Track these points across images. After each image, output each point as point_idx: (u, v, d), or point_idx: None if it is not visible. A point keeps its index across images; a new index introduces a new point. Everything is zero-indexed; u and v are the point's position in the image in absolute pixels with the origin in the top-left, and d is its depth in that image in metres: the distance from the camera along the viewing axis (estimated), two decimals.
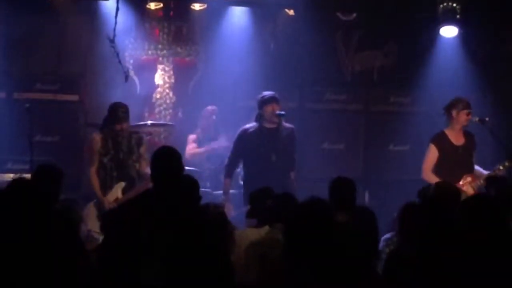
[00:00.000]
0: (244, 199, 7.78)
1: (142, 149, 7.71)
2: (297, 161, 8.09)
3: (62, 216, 4.83)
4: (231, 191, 8.41)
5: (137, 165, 7.73)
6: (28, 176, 7.04)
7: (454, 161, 8.03)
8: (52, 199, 5.72)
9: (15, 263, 3.19)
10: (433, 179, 7.83)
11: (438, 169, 8.02)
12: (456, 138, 8.10)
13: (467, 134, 8.16)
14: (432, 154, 8.05)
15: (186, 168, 8.42)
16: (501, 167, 7.86)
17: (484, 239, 3.77)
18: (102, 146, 7.71)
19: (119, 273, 4.26)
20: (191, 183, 5.21)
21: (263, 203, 5.98)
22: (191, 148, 9.38)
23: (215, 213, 5.34)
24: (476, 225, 4.22)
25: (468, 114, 8.05)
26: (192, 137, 9.50)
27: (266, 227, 5.61)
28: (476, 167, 8.16)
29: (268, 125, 7.86)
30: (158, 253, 4.15)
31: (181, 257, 3.90)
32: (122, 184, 7.66)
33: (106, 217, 5.96)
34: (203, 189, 8.24)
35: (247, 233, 5.83)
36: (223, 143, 9.12)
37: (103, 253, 4.57)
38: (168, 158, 4.75)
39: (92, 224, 7.33)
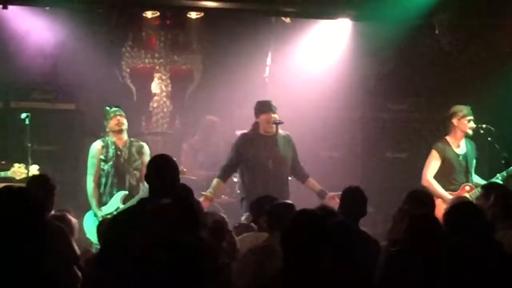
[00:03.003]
0: (242, 206, 7.79)
1: (145, 158, 7.72)
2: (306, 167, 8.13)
3: (54, 226, 4.85)
4: (226, 197, 8.44)
5: (137, 173, 7.76)
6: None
7: (454, 169, 8.08)
8: (45, 209, 5.72)
9: (7, 273, 3.18)
10: (433, 185, 7.87)
11: (438, 176, 8.04)
12: (458, 145, 8.14)
13: (468, 142, 8.19)
14: (434, 160, 8.09)
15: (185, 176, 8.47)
16: (499, 177, 7.89)
17: (468, 246, 3.78)
18: (102, 153, 7.74)
19: (114, 282, 4.26)
20: (186, 192, 5.20)
21: (263, 210, 5.99)
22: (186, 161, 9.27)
23: (213, 222, 5.34)
24: (461, 232, 4.25)
25: (469, 121, 8.08)
26: (185, 147, 9.46)
27: (265, 234, 5.60)
28: (475, 177, 8.18)
29: (264, 133, 7.86)
30: (153, 263, 4.14)
31: (177, 266, 3.89)
32: (123, 193, 7.66)
33: (102, 226, 5.98)
34: (199, 198, 8.27)
35: (245, 239, 5.83)
36: None
37: (99, 262, 4.57)
38: (163, 166, 4.74)
39: (92, 232, 7.35)
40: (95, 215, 7.57)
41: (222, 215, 5.76)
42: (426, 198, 6.22)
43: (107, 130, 7.91)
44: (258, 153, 7.79)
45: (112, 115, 7.83)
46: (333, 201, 7.50)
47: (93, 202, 7.68)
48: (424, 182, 8.01)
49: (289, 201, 6.09)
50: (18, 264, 3.26)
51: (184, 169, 7.60)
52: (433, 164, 8.09)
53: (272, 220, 5.56)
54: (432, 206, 6.10)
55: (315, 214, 4.11)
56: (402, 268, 4.43)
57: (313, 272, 3.87)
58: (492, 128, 8.22)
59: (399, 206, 5.93)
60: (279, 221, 5.23)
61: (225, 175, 7.96)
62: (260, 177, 7.71)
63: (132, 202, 6.96)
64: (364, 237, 5.51)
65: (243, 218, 7.51)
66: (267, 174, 7.69)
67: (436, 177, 8.06)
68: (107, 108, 7.91)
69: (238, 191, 8.28)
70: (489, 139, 8.20)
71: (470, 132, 8.12)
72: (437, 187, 7.94)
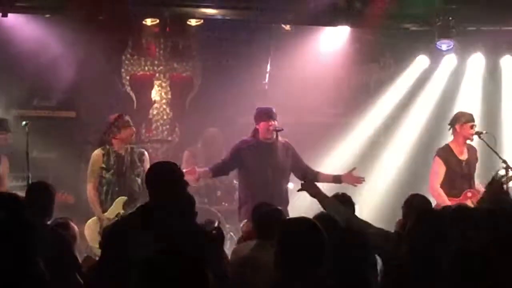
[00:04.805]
0: (240, 213, 7.77)
1: (146, 165, 7.73)
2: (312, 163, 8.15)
3: (56, 233, 4.83)
4: (226, 205, 8.44)
5: (139, 180, 7.76)
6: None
7: (457, 175, 8.02)
8: (45, 216, 5.72)
9: (7, 281, 3.17)
10: (441, 194, 7.79)
11: (441, 182, 8.00)
12: (460, 152, 8.10)
13: (470, 147, 8.16)
14: (440, 168, 8.00)
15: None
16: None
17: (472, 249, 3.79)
18: (103, 162, 7.75)
19: None
20: (188, 199, 5.19)
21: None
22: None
23: (212, 229, 5.32)
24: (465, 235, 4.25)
25: (472, 127, 8.05)
26: (186, 154, 9.45)
27: (254, 242, 5.55)
28: (476, 183, 8.16)
29: (264, 140, 7.83)
30: (155, 269, 4.13)
31: (178, 273, 3.88)
32: (124, 198, 7.67)
33: (104, 233, 5.97)
34: (200, 205, 8.28)
35: (241, 248, 5.79)
36: None
37: (101, 269, 4.57)
38: (163, 173, 4.74)
39: (94, 240, 7.36)
40: (100, 219, 7.57)
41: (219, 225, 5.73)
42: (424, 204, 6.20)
43: (116, 136, 7.85)
44: (257, 160, 7.76)
45: (127, 125, 7.83)
46: (351, 179, 7.64)
47: (96, 207, 7.69)
48: (432, 192, 7.90)
49: (277, 207, 6.01)
50: (18, 272, 3.25)
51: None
52: (438, 172, 8.00)
53: (259, 229, 5.52)
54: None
55: (313, 225, 4.00)
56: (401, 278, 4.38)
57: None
58: (493, 134, 8.22)
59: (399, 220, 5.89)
60: (266, 230, 5.21)
61: (214, 168, 7.89)
62: (258, 184, 7.67)
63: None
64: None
65: (241, 225, 7.50)
66: (266, 182, 7.64)
67: (440, 184, 8.02)
68: (124, 115, 7.87)
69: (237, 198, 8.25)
70: (487, 144, 8.20)
71: (472, 138, 8.10)
72: (444, 198, 7.83)
